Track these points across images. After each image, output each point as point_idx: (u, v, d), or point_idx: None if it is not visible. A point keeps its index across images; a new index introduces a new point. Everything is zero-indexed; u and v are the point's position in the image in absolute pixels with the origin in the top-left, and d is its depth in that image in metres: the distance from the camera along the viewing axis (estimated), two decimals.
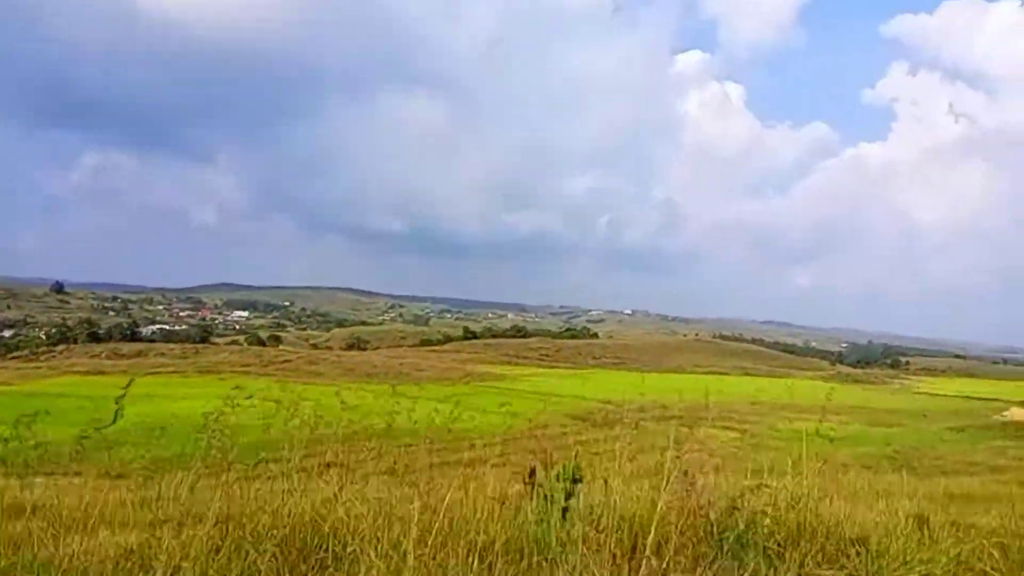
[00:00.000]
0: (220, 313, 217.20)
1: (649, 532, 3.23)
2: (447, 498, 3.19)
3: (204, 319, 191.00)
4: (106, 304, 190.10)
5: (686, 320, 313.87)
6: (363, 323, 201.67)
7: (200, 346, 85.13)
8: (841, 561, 3.33)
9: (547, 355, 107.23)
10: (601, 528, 3.27)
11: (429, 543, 2.89)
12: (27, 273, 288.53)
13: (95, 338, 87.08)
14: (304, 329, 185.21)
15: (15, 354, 75.81)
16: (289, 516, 3.09)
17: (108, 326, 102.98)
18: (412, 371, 72.76)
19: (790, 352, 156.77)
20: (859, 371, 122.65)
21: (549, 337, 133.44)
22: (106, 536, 3.11)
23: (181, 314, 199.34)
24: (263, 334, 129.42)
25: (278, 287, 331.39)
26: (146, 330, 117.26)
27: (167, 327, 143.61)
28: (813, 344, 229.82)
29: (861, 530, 3.66)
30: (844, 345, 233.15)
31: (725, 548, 3.21)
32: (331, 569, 2.91)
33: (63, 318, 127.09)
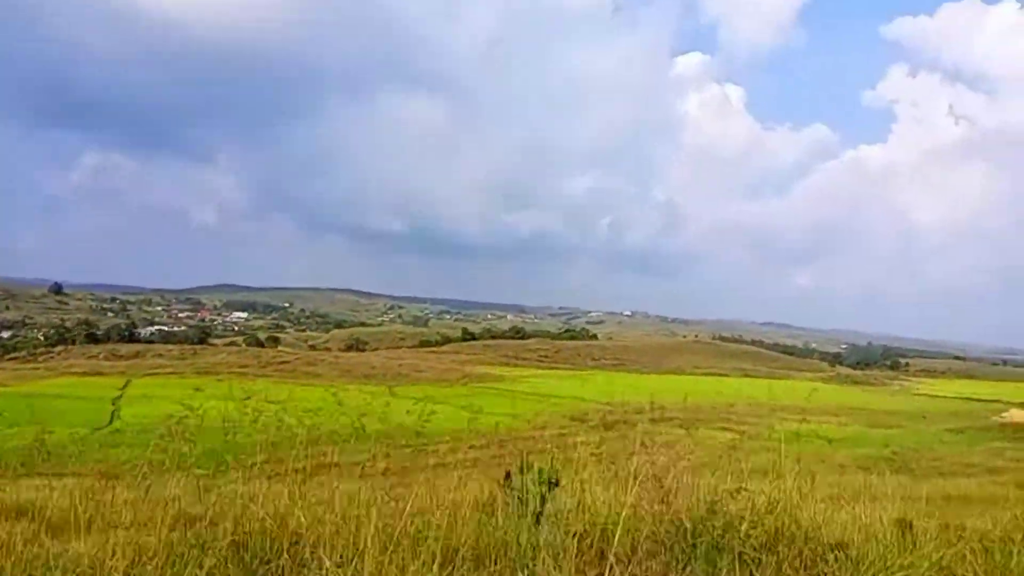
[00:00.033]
0: (219, 314, 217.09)
1: (622, 537, 3.14)
2: (409, 503, 3.10)
3: (203, 320, 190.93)
4: (105, 305, 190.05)
5: (686, 321, 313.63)
6: (362, 324, 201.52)
7: (198, 347, 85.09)
8: (819, 567, 3.24)
9: (546, 356, 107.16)
10: (572, 533, 3.18)
11: (391, 549, 2.80)
12: (26, 274, 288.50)
13: (93, 339, 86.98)
14: (303, 330, 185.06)
15: (13, 355, 75.71)
16: (249, 521, 3.00)
17: (106, 327, 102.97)
18: (410, 372, 72.74)
19: (790, 354, 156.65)
20: (859, 372, 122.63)
21: (548, 338, 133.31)
22: (55, 543, 3.02)
23: (180, 315, 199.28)
24: (262, 335, 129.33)
25: (277, 288, 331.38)
26: (144, 331, 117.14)
27: (166, 328, 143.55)
28: (813, 345, 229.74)
29: (841, 535, 3.58)
30: (844, 346, 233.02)
31: (698, 553, 3.12)
32: None
33: (62, 319, 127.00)
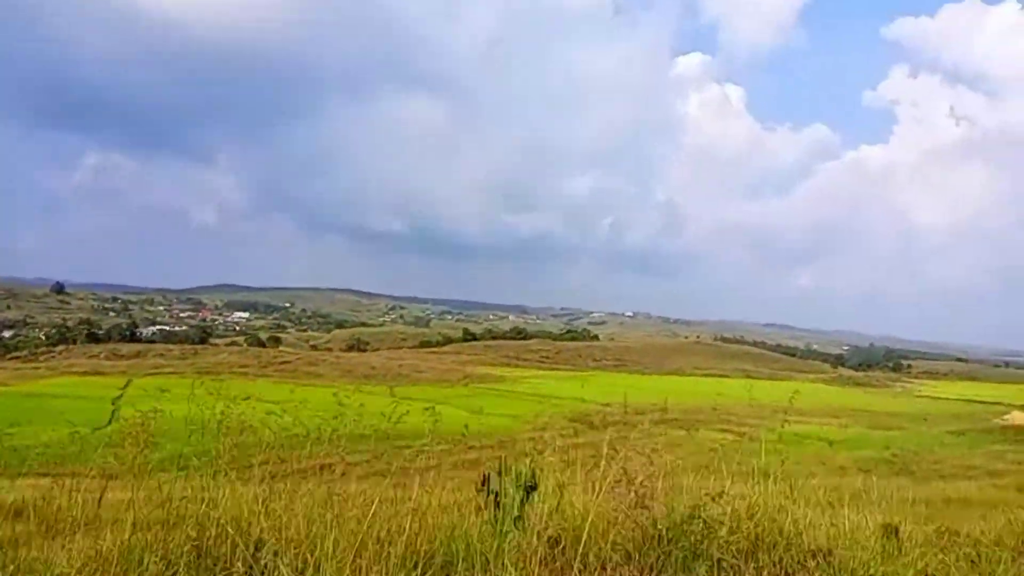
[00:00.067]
0: (220, 314, 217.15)
1: (596, 542, 3.05)
2: (374, 506, 3.01)
3: (204, 320, 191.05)
4: (106, 305, 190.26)
5: (687, 322, 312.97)
6: (363, 324, 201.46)
7: (199, 347, 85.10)
8: (799, 574, 3.14)
9: (547, 357, 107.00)
10: (546, 538, 3.09)
11: (352, 555, 2.71)
12: (28, 273, 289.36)
13: (94, 339, 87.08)
14: (304, 330, 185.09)
15: (14, 355, 75.81)
16: (211, 525, 2.91)
17: (108, 327, 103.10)
18: (411, 373, 72.65)
19: (791, 355, 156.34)
20: (860, 374, 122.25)
21: (549, 339, 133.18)
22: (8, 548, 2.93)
23: (181, 315, 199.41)
24: (263, 335, 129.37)
25: (278, 288, 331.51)
26: (146, 331, 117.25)
27: (167, 328, 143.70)
28: (815, 347, 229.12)
29: (825, 540, 3.48)
30: (846, 348, 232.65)
31: (673, 560, 3.02)
32: None
33: (63, 319, 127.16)
